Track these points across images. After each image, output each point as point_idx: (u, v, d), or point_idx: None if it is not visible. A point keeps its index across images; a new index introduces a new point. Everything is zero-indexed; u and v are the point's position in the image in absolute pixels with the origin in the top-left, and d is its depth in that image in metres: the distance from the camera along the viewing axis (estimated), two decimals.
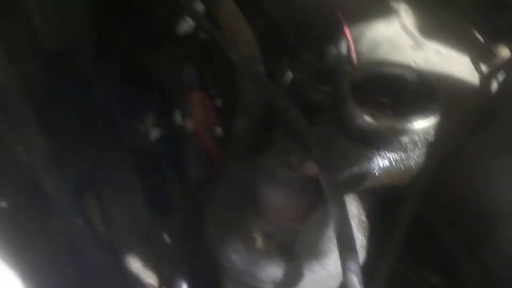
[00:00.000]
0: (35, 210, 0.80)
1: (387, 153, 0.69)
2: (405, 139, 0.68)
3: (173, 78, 0.98)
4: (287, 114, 0.72)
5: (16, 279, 0.68)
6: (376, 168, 0.69)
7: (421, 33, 0.91)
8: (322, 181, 0.63)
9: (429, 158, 0.72)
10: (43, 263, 0.76)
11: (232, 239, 0.66)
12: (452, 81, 0.87)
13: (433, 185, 0.78)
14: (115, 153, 0.93)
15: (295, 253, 0.66)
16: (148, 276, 0.82)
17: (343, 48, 0.82)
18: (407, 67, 0.75)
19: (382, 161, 0.69)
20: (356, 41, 0.86)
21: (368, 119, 0.67)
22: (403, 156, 0.69)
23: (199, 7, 1.01)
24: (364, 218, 0.72)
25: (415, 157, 0.70)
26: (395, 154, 0.69)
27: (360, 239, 0.69)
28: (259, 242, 0.65)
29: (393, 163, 0.69)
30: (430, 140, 0.70)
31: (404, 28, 0.91)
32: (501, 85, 0.88)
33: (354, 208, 0.71)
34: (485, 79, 0.89)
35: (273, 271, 0.66)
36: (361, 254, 0.68)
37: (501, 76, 0.89)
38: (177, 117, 0.99)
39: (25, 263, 0.70)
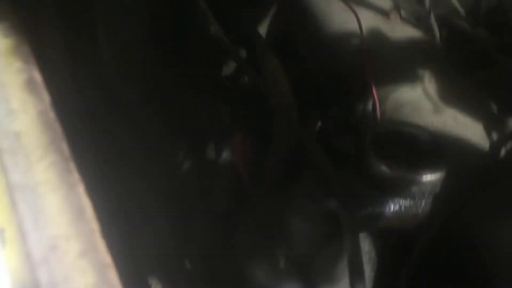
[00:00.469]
0: None
1: (398, 199, 0.77)
2: (414, 189, 0.76)
3: (211, 117, 1.07)
4: (315, 157, 0.81)
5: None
6: (388, 211, 0.77)
7: (441, 99, 0.95)
8: (341, 217, 0.72)
9: (435, 208, 0.80)
10: None
11: (259, 257, 0.75)
12: (465, 145, 0.92)
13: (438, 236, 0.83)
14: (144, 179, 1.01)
15: (311, 276, 0.74)
16: None
17: (370, 106, 0.90)
18: (422, 129, 0.84)
19: (393, 206, 0.77)
20: (381, 100, 0.92)
21: (384, 168, 0.76)
22: (412, 203, 0.77)
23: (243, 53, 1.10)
24: (374, 255, 0.80)
25: (422, 205, 0.78)
26: (405, 201, 0.77)
27: (368, 272, 0.77)
28: (282, 262, 0.74)
29: (403, 208, 0.77)
30: (436, 192, 0.78)
31: (426, 93, 0.95)
32: (509, 153, 0.91)
33: (366, 246, 0.79)
34: (495, 146, 0.92)
35: None
36: (369, 285, 0.76)
37: (510, 144, 0.92)
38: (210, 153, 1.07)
39: None
